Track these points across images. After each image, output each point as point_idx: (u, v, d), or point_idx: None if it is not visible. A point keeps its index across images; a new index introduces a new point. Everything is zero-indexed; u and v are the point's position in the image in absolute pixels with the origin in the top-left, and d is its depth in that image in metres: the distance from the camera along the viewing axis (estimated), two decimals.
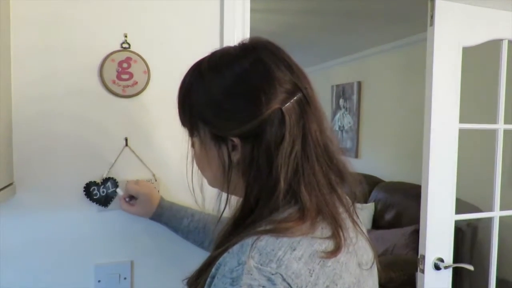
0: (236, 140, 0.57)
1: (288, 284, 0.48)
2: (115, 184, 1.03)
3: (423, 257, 1.41)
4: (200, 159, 0.65)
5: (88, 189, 1.02)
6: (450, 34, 1.38)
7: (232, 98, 0.57)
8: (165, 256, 1.10)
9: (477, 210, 2.28)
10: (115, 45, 1.02)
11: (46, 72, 0.99)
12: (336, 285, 0.52)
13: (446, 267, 1.42)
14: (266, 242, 0.51)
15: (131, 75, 1.04)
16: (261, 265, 0.48)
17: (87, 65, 1.01)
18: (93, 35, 1.01)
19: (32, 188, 0.99)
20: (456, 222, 1.46)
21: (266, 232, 0.52)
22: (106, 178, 1.03)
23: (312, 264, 0.51)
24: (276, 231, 0.52)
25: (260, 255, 0.49)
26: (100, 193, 1.02)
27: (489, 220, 1.55)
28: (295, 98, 0.57)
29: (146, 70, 1.05)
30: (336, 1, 2.56)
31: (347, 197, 0.63)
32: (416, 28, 3.08)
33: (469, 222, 2.45)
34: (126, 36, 1.03)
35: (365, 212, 3.48)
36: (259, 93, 0.55)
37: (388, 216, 3.35)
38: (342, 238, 0.55)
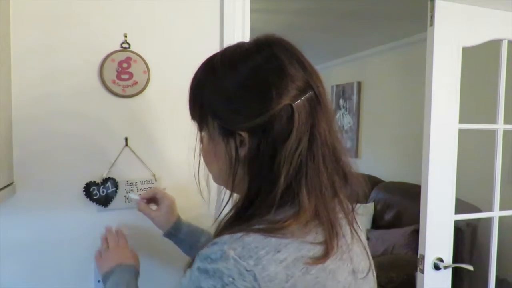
0: (244, 134, 0.57)
1: (259, 285, 0.48)
2: (115, 184, 1.03)
3: (423, 257, 1.41)
4: (208, 153, 0.65)
5: (88, 189, 1.02)
6: (450, 34, 1.38)
7: (243, 92, 0.57)
8: (165, 255, 1.10)
9: (477, 210, 2.28)
10: (115, 45, 1.03)
11: (46, 72, 0.99)
12: None
13: (445, 267, 1.42)
14: (253, 238, 0.51)
15: (131, 75, 1.04)
16: (239, 258, 0.49)
17: (87, 65, 1.01)
18: (93, 35, 1.01)
19: (32, 188, 0.99)
20: (456, 222, 1.46)
21: (257, 230, 0.53)
22: (106, 178, 1.03)
23: (293, 270, 0.50)
24: (267, 231, 0.52)
25: (242, 249, 0.50)
26: (100, 193, 1.03)
27: (489, 220, 1.55)
28: (306, 96, 0.57)
29: (146, 70, 1.05)
30: (336, 1, 2.56)
31: (348, 202, 0.62)
32: (416, 28, 3.08)
33: (468, 222, 2.45)
34: (126, 36, 1.03)
35: (365, 212, 3.48)
36: (271, 87, 0.55)
37: (388, 216, 3.35)
38: (335, 246, 0.54)
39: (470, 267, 1.47)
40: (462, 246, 2.39)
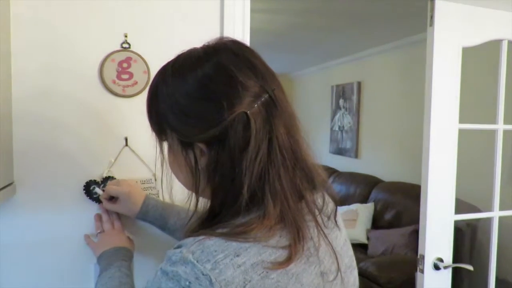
0: (202, 146, 0.57)
1: None
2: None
3: (423, 257, 1.41)
4: (171, 164, 0.65)
5: (88, 188, 1.02)
6: (450, 34, 1.38)
7: (195, 104, 0.57)
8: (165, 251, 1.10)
9: (477, 210, 2.28)
10: (115, 45, 1.03)
11: (46, 72, 0.99)
12: None
13: (445, 267, 1.42)
14: (214, 242, 0.51)
15: (131, 75, 1.04)
16: (197, 261, 0.49)
17: (87, 65, 1.01)
18: (93, 35, 1.01)
19: (32, 187, 1.00)
20: (456, 222, 1.46)
21: (219, 234, 0.53)
22: (106, 177, 1.03)
23: (251, 274, 0.50)
24: (229, 235, 0.52)
25: (201, 252, 0.50)
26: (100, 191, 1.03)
27: (489, 220, 1.56)
28: (261, 101, 0.55)
29: (146, 70, 1.05)
30: (337, 1, 2.56)
31: (323, 200, 0.62)
32: (416, 28, 3.08)
33: (468, 222, 2.46)
34: (126, 36, 1.03)
35: (365, 212, 3.48)
36: (221, 98, 0.54)
37: (388, 216, 3.35)
38: (300, 250, 0.54)
39: (470, 267, 1.47)
40: (462, 246, 2.40)
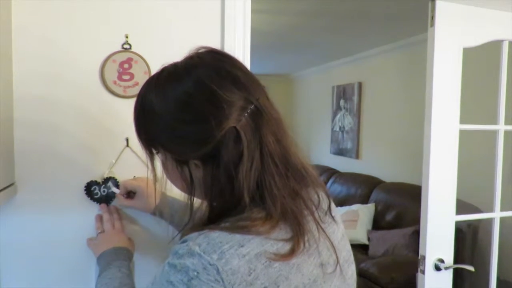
0: (197, 162, 0.59)
1: (221, 278, 0.50)
2: (116, 183, 1.04)
3: (424, 257, 1.41)
4: (166, 174, 0.67)
5: (89, 189, 1.02)
6: (450, 35, 1.38)
7: (183, 125, 0.58)
8: (165, 254, 1.10)
9: (478, 211, 2.27)
10: (116, 46, 1.03)
11: (47, 73, 0.99)
12: (278, 286, 0.53)
13: (446, 268, 1.42)
14: (218, 234, 0.54)
15: (132, 76, 1.04)
16: (203, 252, 0.51)
17: (88, 65, 1.02)
18: (94, 36, 1.01)
19: (33, 188, 1.00)
20: (457, 222, 1.45)
21: (223, 228, 0.55)
22: (107, 177, 1.03)
23: (255, 263, 0.52)
24: (232, 228, 0.54)
25: (207, 244, 0.52)
26: (101, 192, 1.03)
27: (490, 221, 1.55)
28: (247, 112, 0.57)
29: (147, 71, 1.05)
30: (337, 2, 2.56)
31: (317, 197, 0.64)
32: (416, 29, 3.08)
33: (469, 223, 2.45)
34: (127, 37, 1.03)
35: (366, 212, 3.48)
36: (208, 117, 0.55)
37: (389, 216, 3.35)
38: (301, 245, 0.56)
39: (471, 268, 1.47)
40: (463, 247, 2.39)
